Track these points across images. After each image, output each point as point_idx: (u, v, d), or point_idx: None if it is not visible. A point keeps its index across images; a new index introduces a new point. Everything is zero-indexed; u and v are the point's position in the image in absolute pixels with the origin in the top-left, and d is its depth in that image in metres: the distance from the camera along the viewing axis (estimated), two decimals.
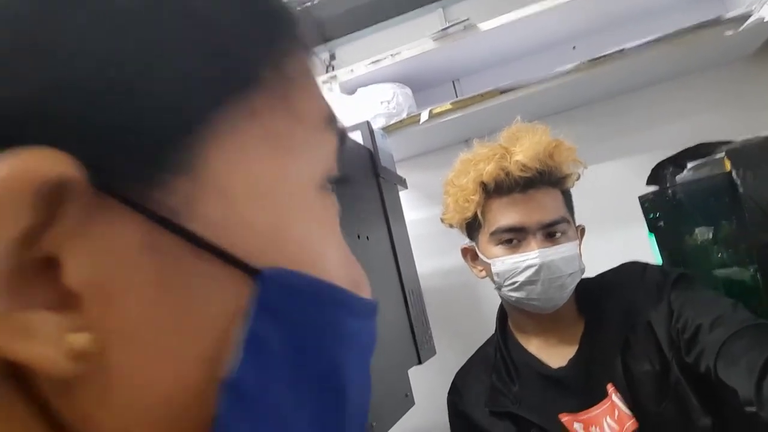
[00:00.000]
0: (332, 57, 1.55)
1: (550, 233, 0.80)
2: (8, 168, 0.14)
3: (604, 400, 0.75)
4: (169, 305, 0.16)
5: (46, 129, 0.15)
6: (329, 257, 0.21)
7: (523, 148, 0.80)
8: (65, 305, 0.15)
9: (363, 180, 1.01)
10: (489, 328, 0.95)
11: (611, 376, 0.75)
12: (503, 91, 1.15)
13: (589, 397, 0.76)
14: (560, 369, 0.80)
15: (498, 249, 0.82)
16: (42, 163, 0.14)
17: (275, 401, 0.18)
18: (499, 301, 0.92)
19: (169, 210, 0.16)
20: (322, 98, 0.23)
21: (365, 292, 0.24)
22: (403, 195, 1.22)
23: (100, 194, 0.15)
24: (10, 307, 0.14)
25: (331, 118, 0.23)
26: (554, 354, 0.82)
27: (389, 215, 1.06)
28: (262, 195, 0.19)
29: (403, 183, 1.23)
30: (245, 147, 0.19)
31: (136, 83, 0.16)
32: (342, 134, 0.24)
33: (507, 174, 0.80)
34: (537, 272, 0.78)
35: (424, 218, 1.35)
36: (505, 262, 0.81)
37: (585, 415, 0.75)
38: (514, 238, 0.81)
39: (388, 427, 0.70)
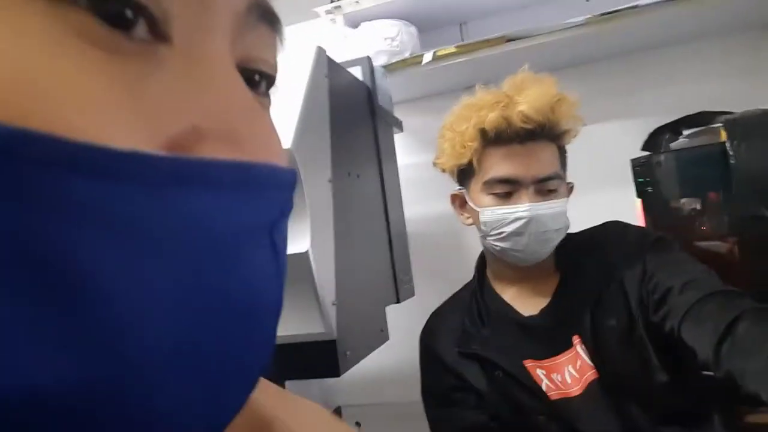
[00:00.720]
0: None
1: (543, 188, 0.81)
2: None
3: (569, 350, 0.78)
4: None
5: None
6: (52, 92, 0.13)
7: (528, 98, 0.78)
8: None
9: (358, 117, 1.00)
10: (468, 275, 0.97)
11: (578, 328, 0.78)
12: (510, 39, 1.12)
13: (554, 346, 0.79)
14: (531, 317, 0.83)
15: (489, 198, 0.83)
16: None
17: None
18: (481, 250, 0.94)
19: None
20: None
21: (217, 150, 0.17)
22: (398, 138, 1.21)
23: None
24: None
25: None
26: (527, 303, 0.85)
27: (382, 156, 1.05)
28: None
29: (399, 125, 1.22)
30: None
31: None
32: None
33: (509, 123, 0.79)
34: (525, 225, 0.79)
35: (417, 163, 1.34)
36: (495, 212, 0.81)
37: (549, 362, 0.78)
38: (507, 189, 0.81)
39: (361, 357, 0.72)
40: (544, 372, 0.78)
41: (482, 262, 0.94)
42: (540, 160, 0.80)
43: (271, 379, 0.25)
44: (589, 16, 1.09)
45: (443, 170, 0.92)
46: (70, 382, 0.13)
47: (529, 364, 0.78)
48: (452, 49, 1.15)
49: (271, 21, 0.21)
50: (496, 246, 0.83)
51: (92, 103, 0.14)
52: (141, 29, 0.16)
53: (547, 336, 0.80)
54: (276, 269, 0.19)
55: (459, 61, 1.15)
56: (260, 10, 0.20)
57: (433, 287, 1.14)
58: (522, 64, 0.87)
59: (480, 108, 0.82)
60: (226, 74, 0.18)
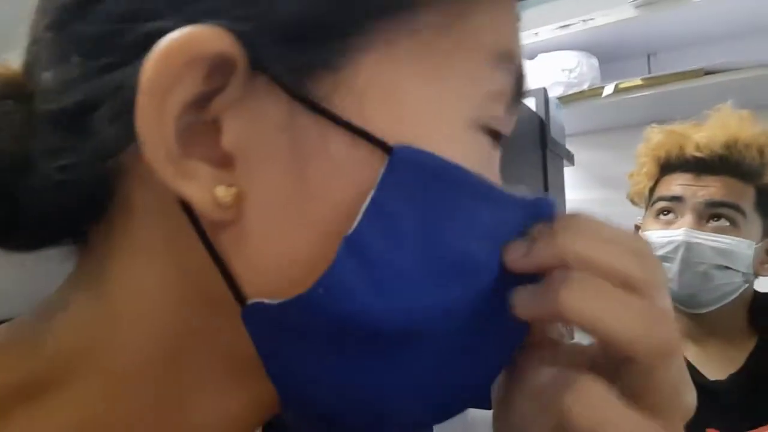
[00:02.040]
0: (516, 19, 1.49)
1: (712, 215, 0.74)
2: (178, 39, 0.17)
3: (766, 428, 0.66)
4: (300, 179, 0.18)
5: (218, 8, 0.18)
6: None
7: (707, 127, 0.76)
8: (221, 163, 0.18)
9: (528, 148, 0.98)
10: None
11: None
12: (709, 72, 1.01)
13: (747, 418, 0.68)
14: (717, 382, 0.73)
15: (654, 222, 0.79)
16: (205, 38, 0.17)
17: (395, 265, 0.19)
18: None
19: (311, 96, 0.18)
20: (507, 32, 0.22)
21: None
22: (568, 171, 1.16)
23: (257, 73, 0.18)
24: (181, 155, 0.18)
25: (508, 55, 0.22)
26: (713, 365, 0.75)
27: (550, 188, 1.01)
28: (396, 108, 0.19)
29: (571, 159, 1.17)
30: (396, 59, 0.19)
31: None
32: (519, 77, 0.22)
33: (681, 150, 0.76)
34: (675, 249, 0.73)
35: (587, 200, 1.27)
36: (653, 235, 0.77)
37: None
38: (670, 209, 0.77)
39: None
40: None
41: None
42: (712, 187, 0.74)
43: None
44: None
45: (632, 201, 0.89)
46: None
47: None
48: (637, 82, 1.08)
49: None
50: None
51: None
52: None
53: (738, 405, 0.69)
54: None
55: (645, 94, 1.08)
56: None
57: None
58: (718, 100, 0.80)
59: (657, 133, 0.81)
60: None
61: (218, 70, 0.17)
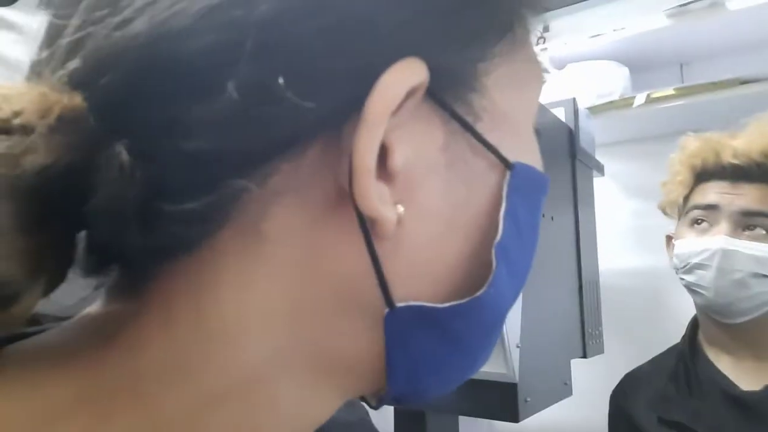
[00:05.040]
0: (545, 29, 1.48)
1: (747, 223, 0.73)
2: (399, 73, 0.18)
3: None
4: (452, 193, 0.21)
5: (413, 38, 0.19)
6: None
7: (746, 135, 0.75)
8: (386, 181, 0.19)
9: (557, 157, 0.97)
10: (668, 341, 0.87)
11: None
12: (745, 82, 0.99)
13: None
14: (751, 392, 0.71)
15: (688, 230, 0.78)
16: (414, 72, 0.18)
17: (516, 258, 0.23)
18: (687, 315, 0.84)
19: (467, 118, 0.21)
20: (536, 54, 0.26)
21: None
22: (597, 182, 1.15)
23: (428, 98, 0.19)
24: (376, 177, 0.19)
25: (543, 73, 0.26)
26: (747, 375, 0.73)
27: (579, 200, 1.00)
28: (506, 118, 0.23)
29: (600, 169, 1.15)
30: (499, 83, 0.22)
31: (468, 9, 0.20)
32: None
33: (717, 157, 0.75)
34: (711, 257, 0.72)
35: (617, 212, 1.25)
36: (688, 243, 0.76)
37: None
38: (705, 218, 0.76)
39: (541, 407, 0.69)
40: None
41: (694, 324, 0.84)
42: (749, 196, 0.73)
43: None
44: None
45: (664, 212, 0.88)
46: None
47: None
48: (670, 92, 1.06)
49: None
50: (683, 281, 0.78)
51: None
52: None
53: None
54: None
55: (677, 104, 1.06)
56: None
57: (623, 347, 1.03)
58: (753, 110, 0.80)
59: (692, 141, 0.80)
60: None
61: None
